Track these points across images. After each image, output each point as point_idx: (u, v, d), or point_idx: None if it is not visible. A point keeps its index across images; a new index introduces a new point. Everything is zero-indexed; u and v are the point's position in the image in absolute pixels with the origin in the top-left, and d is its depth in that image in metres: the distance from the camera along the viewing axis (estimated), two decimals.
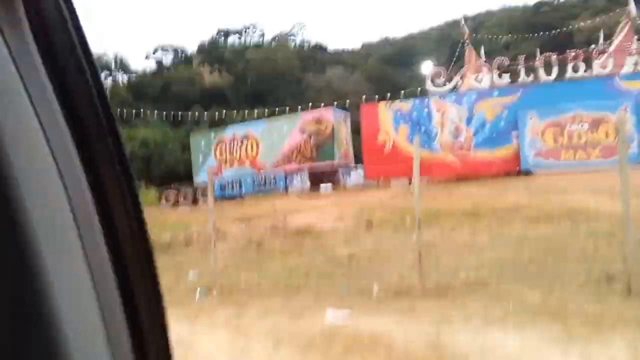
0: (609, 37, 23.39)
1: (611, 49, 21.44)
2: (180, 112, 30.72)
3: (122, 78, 48.37)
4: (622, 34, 21.80)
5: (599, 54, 21.40)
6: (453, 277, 6.66)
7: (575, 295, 5.51)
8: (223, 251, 9.48)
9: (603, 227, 8.37)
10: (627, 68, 19.78)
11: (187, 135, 28.85)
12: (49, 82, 0.61)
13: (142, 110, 30.14)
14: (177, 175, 28.06)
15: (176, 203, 24.40)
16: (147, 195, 24.16)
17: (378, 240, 10.00)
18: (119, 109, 27.57)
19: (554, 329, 4.38)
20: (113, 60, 47.52)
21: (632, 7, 22.67)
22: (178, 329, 4.86)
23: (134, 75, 48.97)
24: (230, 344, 4.71)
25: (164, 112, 30.72)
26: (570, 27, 35.72)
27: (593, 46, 22.93)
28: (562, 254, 7.35)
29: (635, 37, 21.56)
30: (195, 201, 23.58)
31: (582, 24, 35.59)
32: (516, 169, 18.09)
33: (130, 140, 29.13)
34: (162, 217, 15.46)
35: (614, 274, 5.88)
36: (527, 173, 17.81)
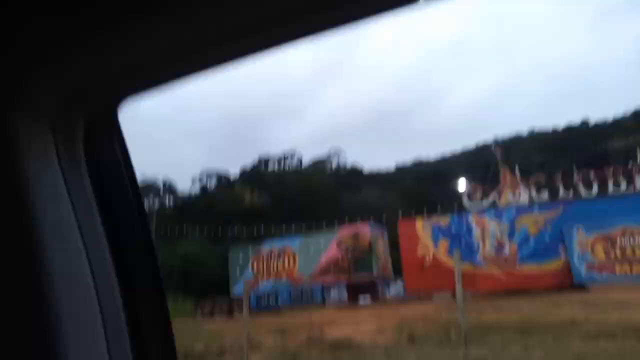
0: None
1: None
2: (220, 229, 31.82)
3: (169, 200, 51.78)
4: None
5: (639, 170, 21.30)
6: None
7: None
8: None
9: None
10: None
11: (226, 250, 29.45)
12: (99, 219, 0.67)
13: (185, 227, 31.54)
14: (214, 288, 28.08)
15: (211, 314, 24.12)
16: (182, 306, 24.14)
17: (421, 357, 9.23)
18: (165, 228, 29.29)
19: None
20: (162, 185, 51.47)
21: None
22: None
23: (180, 197, 52.28)
24: None
25: (206, 229, 31.93)
26: (603, 147, 36.18)
27: (631, 163, 22.89)
28: None
29: None
30: (231, 313, 23.19)
31: (615, 143, 36.02)
32: (568, 283, 17.17)
33: (172, 255, 30.02)
34: (196, 328, 15.03)
35: None
36: (581, 287, 16.81)
